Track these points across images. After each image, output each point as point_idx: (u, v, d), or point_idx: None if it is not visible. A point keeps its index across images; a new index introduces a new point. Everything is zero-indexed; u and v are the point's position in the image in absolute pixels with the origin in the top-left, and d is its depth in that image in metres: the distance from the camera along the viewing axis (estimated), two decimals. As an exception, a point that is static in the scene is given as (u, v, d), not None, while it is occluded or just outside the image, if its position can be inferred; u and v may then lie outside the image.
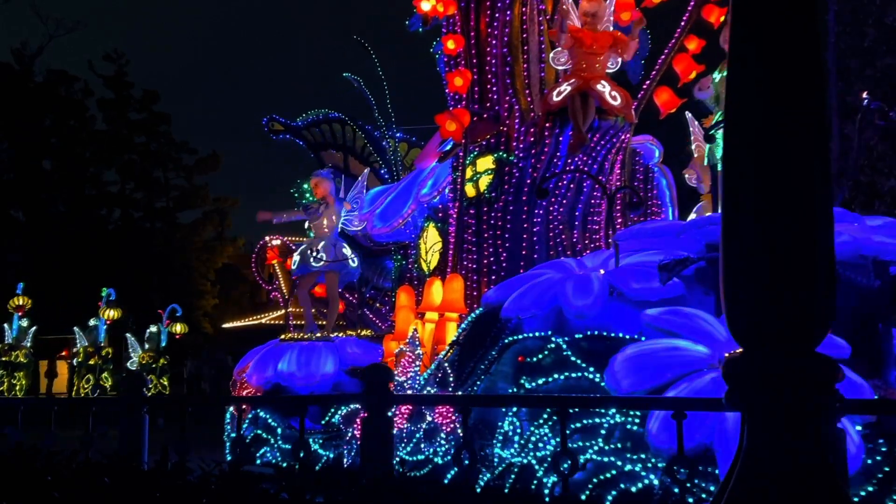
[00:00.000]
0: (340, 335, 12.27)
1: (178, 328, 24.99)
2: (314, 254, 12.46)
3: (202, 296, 45.51)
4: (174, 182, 47.17)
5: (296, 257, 12.77)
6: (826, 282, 2.38)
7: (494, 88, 11.28)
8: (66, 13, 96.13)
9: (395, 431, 8.23)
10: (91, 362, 21.92)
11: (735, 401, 2.57)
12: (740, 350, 2.55)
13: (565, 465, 5.35)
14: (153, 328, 23.51)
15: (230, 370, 32.38)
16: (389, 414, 5.95)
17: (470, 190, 11.01)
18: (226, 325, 46.67)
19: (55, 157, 43.70)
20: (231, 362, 33.19)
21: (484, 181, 11.00)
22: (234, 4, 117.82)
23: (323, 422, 10.54)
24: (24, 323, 22.75)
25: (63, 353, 35.35)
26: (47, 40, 46.43)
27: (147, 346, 23.12)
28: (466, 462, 5.64)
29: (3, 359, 21.83)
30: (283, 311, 49.95)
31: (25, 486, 5.27)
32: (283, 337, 12.47)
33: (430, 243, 11.94)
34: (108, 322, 22.79)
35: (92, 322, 22.64)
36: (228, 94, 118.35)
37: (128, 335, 23.85)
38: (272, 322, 44.48)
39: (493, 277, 10.55)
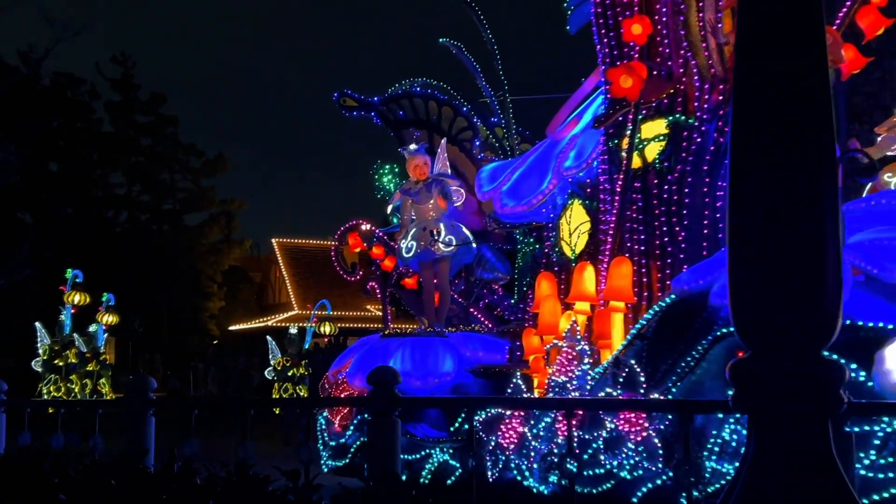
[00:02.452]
0: (451, 330, 10.85)
1: (327, 328, 23.22)
2: (437, 237, 10.86)
3: (209, 298, 45.62)
4: (181, 184, 47.35)
5: (409, 243, 11.03)
6: (834, 285, 2.37)
7: (666, 41, 9.58)
8: (73, 16, 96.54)
9: (559, 440, 7.77)
10: (89, 368, 20.58)
11: (742, 403, 2.57)
12: (748, 353, 2.54)
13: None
14: (293, 329, 22.04)
15: (240, 372, 32.60)
16: (395, 416, 5.86)
17: (635, 160, 9.40)
18: (233, 328, 46.82)
19: (62, 160, 43.85)
20: (243, 364, 33.31)
21: (653, 149, 9.38)
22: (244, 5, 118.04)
23: (452, 428, 9.22)
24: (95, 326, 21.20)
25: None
26: (54, 43, 46.66)
27: (289, 349, 21.39)
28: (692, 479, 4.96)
29: (57, 361, 20.15)
30: (294, 313, 49.74)
31: (32, 487, 5.28)
32: (386, 332, 10.95)
33: (576, 223, 10.36)
34: (106, 327, 21.73)
35: (92, 328, 21.63)
36: (235, 94, 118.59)
37: (268, 338, 22.28)
38: (279, 324, 44.65)
39: (670, 261, 9.10)
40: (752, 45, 2.55)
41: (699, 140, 9.19)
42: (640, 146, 9.33)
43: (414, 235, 10.97)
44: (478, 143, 12.38)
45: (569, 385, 8.01)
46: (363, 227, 12.53)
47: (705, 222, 8.99)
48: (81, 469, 5.64)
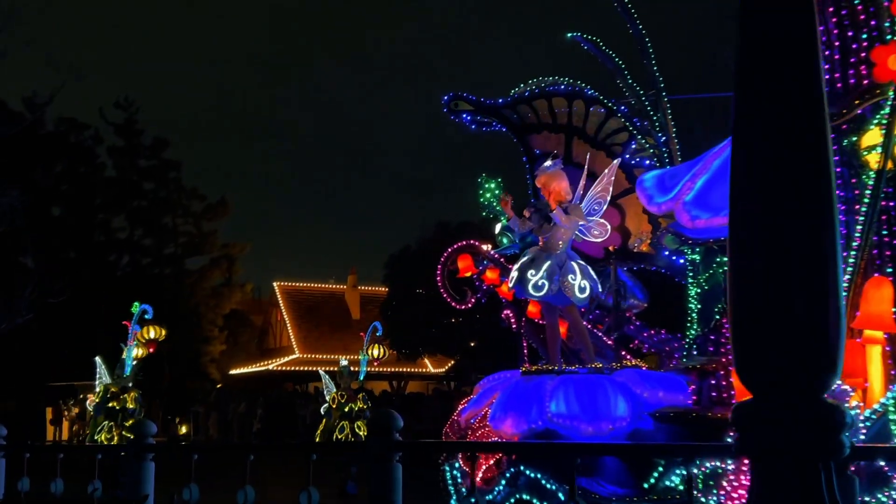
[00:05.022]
0: (615, 367, 9.19)
1: (376, 352, 19.87)
2: (532, 278, 9.38)
3: (209, 342, 45.50)
4: (183, 228, 47.40)
5: (540, 280, 9.46)
6: (835, 331, 2.39)
7: None
8: (77, 60, 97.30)
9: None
10: (114, 405, 16.77)
11: (744, 447, 2.57)
12: (749, 397, 2.55)
13: None
14: (344, 361, 18.96)
15: (241, 416, 32.41)
16: (396, 462, 5.76)
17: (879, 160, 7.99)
18: (233, 371, 46.64)
19: (65, 204, 43.97)
20: (244, 408, 33.16)
21: None
22: (250, 49, 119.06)
23: (646, 484, 7.68)
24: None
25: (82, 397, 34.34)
26: (58, 88, 46.97)
27: (341, 383, 18.55)
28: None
29: (112, 405, 16.73)
30: (295, 356, 49.57)
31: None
32: (531, 368, 9.38)
33: None
34: (153, 347, 17.89)
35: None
36: (239, 137, 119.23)
37: (321, 371, 19.74)
38: (280, 368, 44.52)
39: None
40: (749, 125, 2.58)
41: None
42: (889, 144, 7.90)
43: (548, 271, 9.37)
44: (633, 145, 10.83)
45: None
46: (482, 248, 10.88)
47: None
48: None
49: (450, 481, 8.97)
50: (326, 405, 18.48)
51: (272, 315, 50.63)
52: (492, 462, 8.47)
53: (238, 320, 48.29)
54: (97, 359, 17.55)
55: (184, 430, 35.57)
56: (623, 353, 9.88)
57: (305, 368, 43.73)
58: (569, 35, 11.64)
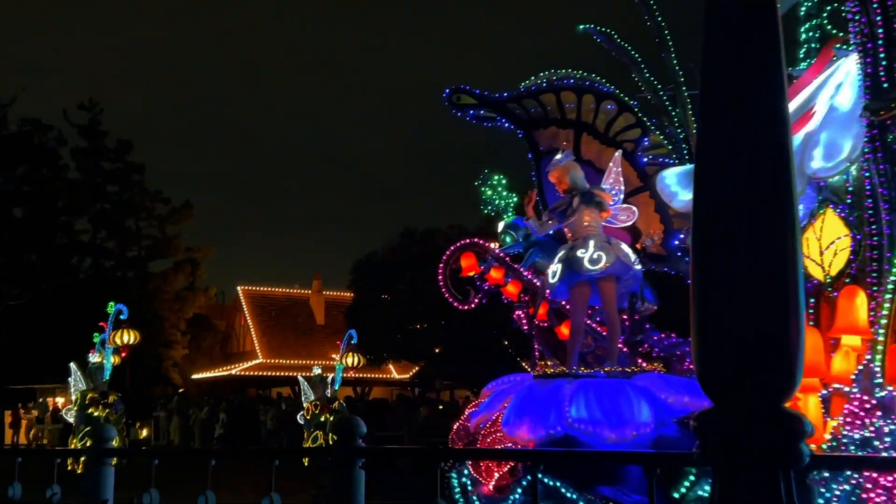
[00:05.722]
0: (634, 370, 8.70)
1: (353, 360, 19.01)
2: (588, 253, 8.82)
3: (172, 346, 45.14)
4: (146, 231, 47.02)
5: (554, 267, 9.09)
6: (794, 341, 2.42)
7: None
8: (41, 62, 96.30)
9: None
10: (93, 412, 15.70)
11: (705, 456, 2.59)
12: (711, 406, 2.57)
13: None
14: (318, 369, 18.39)
15: (203, 422, 32.13)
16: (360, 467, 5.73)
17: None
18: (195, 376, 46.27)
19: (27, 206, 43.45)
20: (206, 413, 32.88)
21: None
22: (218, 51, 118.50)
23: (676, 494, 7.28)
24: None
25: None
26: (22, 89, 46.45)
27: (315, 392, 17.79)
28: None
29: (92, 411, 15.73)
30: (258, 361, 49.06)
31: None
32: (539, 372, 8.95)
33: (830, 238, 8.49)
34: (123, 351, 16.70)
35: (91, 358, 16.57)
36: (205, 141, 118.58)
37: (301, 377, 18.87)
38: (244, 373, 44.23)
39: None
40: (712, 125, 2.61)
41: None
42: None
43: (561, 258, 9.05)
44: (646, 142, 10.33)
45: (877, 443, 6.50)
46: (487, 246, 10.34)
47: None
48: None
49: (457, 489, 8.52)
50: (301, 413, 17.91)
51: (236, 320, 50.32)
52: (506, 469, 8.13)
53: (201, 325, 47.95)
54: (72, 364, 16.73)
55: (144, 433, 35.22)
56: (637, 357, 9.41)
57: (269, 373, 43.51)
58: (581, 27, 11.17)
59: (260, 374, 43.85)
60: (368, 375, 39.58)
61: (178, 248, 46.90)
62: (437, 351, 31.64)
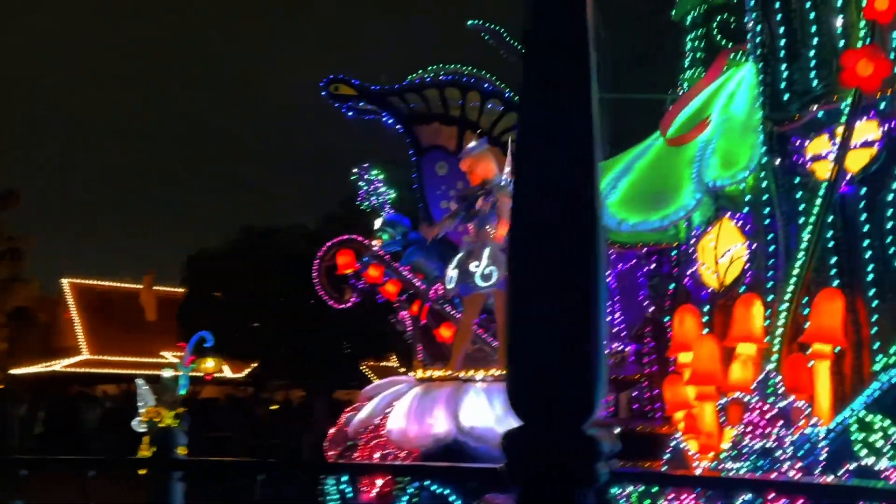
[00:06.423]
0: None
1: (212, 364, 18.25)
2: (480, 267, 8.56)
3: (-10, 340, 42.88)
4: (-34, 218, 44.51)
5: (452, 272, 8.80)
6: (595, 367, 2.54)
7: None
8: None
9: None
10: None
11: (511, 474, 2.69)
12: (518, 425, 2.67)
13: None
14: (167, 372, 16.86)
15: (22, 420, 30.64)
16: (177, 481, 5.56)
17: (827, 170, 7.47)
18: (15, 371, 44.09)
19: None
20: (25, 410, 31.34)
21: (861, 155, 7.51)
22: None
23: None
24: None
25: None
26: None
27: (162, 397, 16.17)
28: None
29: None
30: (84, 357, 47.17)
31: None
32: (422, 374, 8.69)
33: (725, 247, 8.36)
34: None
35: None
36: (31, 128, 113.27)
37: (138, 381, 16.83)
38: (67, 369, 42.42)
39: (890, 294, 7.31)
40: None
41: None
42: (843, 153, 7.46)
43: (459, 262, 8.81)
44: None
45: (777, 455, 6.49)
46: (366, 243, 9.98)
47: None
48: None
49: (336, 496, 8.33)
50: (138, 419, 16.21)
51: (60, 313, 48.24)
52: (388, 477, 7.95)
53: (23, 318, 45.71)
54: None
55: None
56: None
57: (95, 370, 41.89)
58: (470, 23, 10.84)
59: (85, 370, 42.20)
60: (199, 374, 38.66)
61: (1, 237, 44.63)
62: (272, 351, 31.27)
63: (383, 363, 33.87)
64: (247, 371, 38.28)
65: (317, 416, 30.08)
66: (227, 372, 41.79)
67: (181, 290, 36.43)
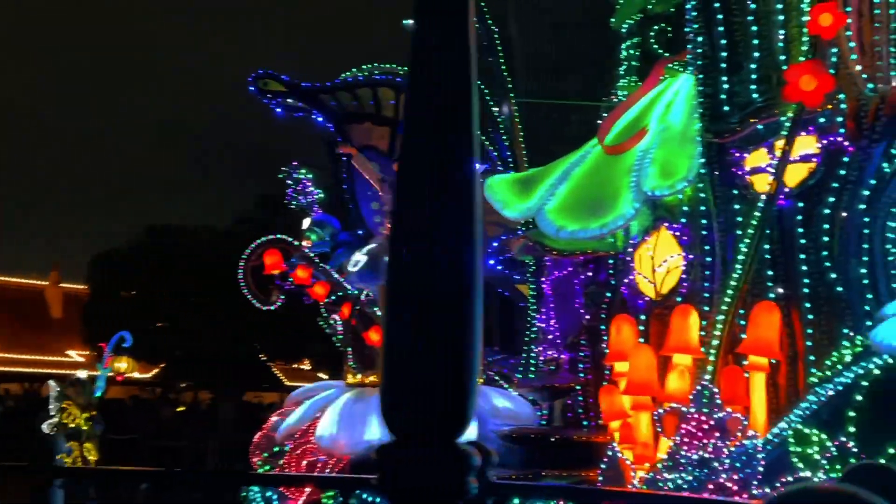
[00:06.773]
0: None
1: (125, 365, 17.69)
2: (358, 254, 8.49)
3: None
4: None
5: (358, 258, 8.69)
6: (467, 383, 2.61)
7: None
8: None
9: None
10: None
11: (384, 487, 2.74)
12: (391, 440, 2.72)
13: None
14: (81, 373, 16.05)
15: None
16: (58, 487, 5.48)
17: (765, 183, 7.47)
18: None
19: None
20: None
21: (799, 170, 7.60)
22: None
23: None
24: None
25: None
26: None
27: (77, 398, 15.27)
28: None
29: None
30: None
31: None
32: (353, 379, 8.64)
33: (662, 256, 8.37)
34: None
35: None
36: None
37: (51, 382, 15.85)
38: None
39: (833, 308, 7.40)
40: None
41: (862, 161, 7.62)
42: (783, 166, 7.49)
43: (370, 252, 8.70)
44: None
45: (714, 465, 6.50)
46: (294, 243, 9.70)
47: (865, 260, 7.53)
48: None
49: (261, 502, 8.15)
50: (50, 422, 15.11)
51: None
52: (312, 487, 7.79)
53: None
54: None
55: None
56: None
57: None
58: (406, 22, 9.99)
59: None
60: (111, 375, 37.79)
61: None
62: (178, 351, 30.77)
63: (295, 365, 33.61)
64: (154, 371, 37.61)
65: (223, 418, 29.75)
66: (134, 372, 40.98)
67: (86, 287, 35.64)
